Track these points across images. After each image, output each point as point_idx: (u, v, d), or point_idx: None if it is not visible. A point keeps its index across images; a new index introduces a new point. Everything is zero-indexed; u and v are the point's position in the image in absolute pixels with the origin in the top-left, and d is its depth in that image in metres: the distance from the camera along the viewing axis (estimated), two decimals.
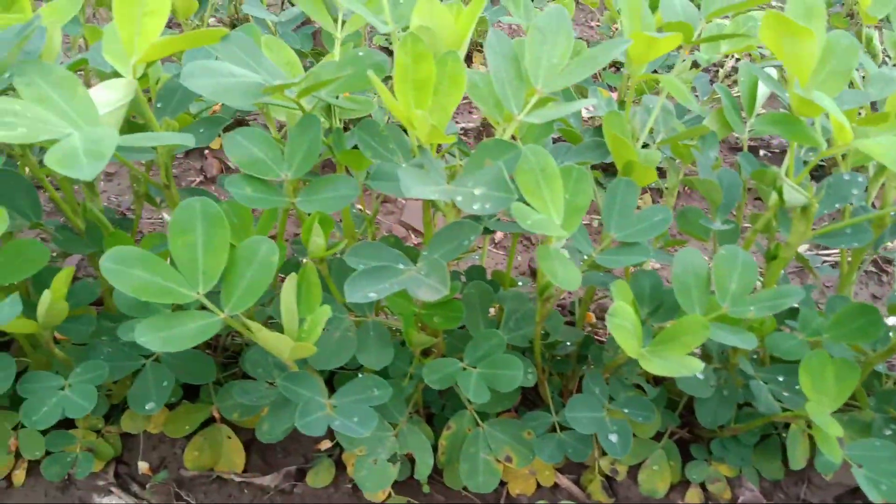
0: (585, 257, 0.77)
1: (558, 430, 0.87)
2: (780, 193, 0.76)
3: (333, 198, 0.68)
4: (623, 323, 0.68)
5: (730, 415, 0.87)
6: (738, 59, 2.34)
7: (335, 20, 0.86)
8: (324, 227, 0.68)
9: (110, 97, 0.73)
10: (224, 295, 0.67)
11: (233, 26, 2.35)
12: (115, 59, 0.77)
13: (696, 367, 0.66)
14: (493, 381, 0.75)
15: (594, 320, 1.14)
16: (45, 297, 0.70)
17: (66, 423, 0.95)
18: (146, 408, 0.81)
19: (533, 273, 1.41)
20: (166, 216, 1.55)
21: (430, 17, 0.68)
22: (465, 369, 0.78)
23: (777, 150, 1.89)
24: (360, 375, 0.87)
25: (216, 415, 0.97)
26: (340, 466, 0.96)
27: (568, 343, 0.96)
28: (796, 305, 0.89)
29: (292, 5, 2.35)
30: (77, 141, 0.61)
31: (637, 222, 0.74)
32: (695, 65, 1.43)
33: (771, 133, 0.79)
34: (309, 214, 0.72)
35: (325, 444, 0.98)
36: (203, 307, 0.66)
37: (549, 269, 0.63)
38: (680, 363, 0.67)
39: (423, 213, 0.82)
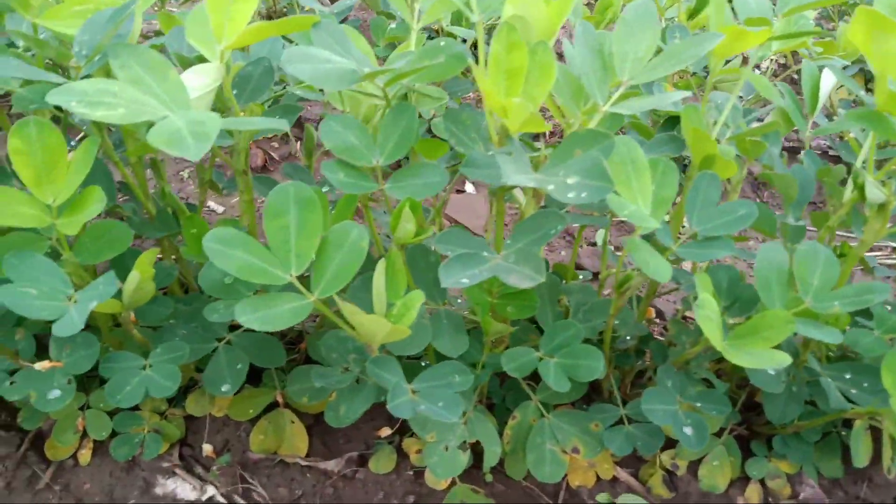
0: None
1: (626, 423, 0.87)
2: (862, 190, 0.76)
3: (422, 184, 0.69)
4: (710, 314, 0.68)
5: (798, 411, 0.87)
6: (773, 60, 2.33)
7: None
8: (413, 213, 0.69)
9: (200, 82, 0.73)
10: (314, 278, 0.68)
11: (269, 17, 2.35)
12: (201, 43, 0.77)
13: (784, 360, 0.66)
14: (573, 370, 0.75)
15: (653, 315, 1.14)
16: (133, 277, 0.71)
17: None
18: (222, 389, 0.82)
19: (579, 268, 1.41)
20: (213, 205, 1.57)
21: (523, 7, 0.68)
22: (541, 359, 0.78)
23: (818, 153, 1.88)
24: (422, 364, 0.87)
25: (279, 399, 0.98)
26: (401, 453, 0.97)
27: (628, 337, 0.97)
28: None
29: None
30: (181, 122, 0.61)
31: (720, 216, 0.74)
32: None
33: (854, 127, 0.79)
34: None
35: (385, 432, 0.99)
36: (292, 289, 0.67)
37: (641, 260, 0.64)
38: (767, 356, 0.67)
39: (497, 202, 0.82)
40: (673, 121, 0.95)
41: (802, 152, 1.02)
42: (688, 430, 0.79)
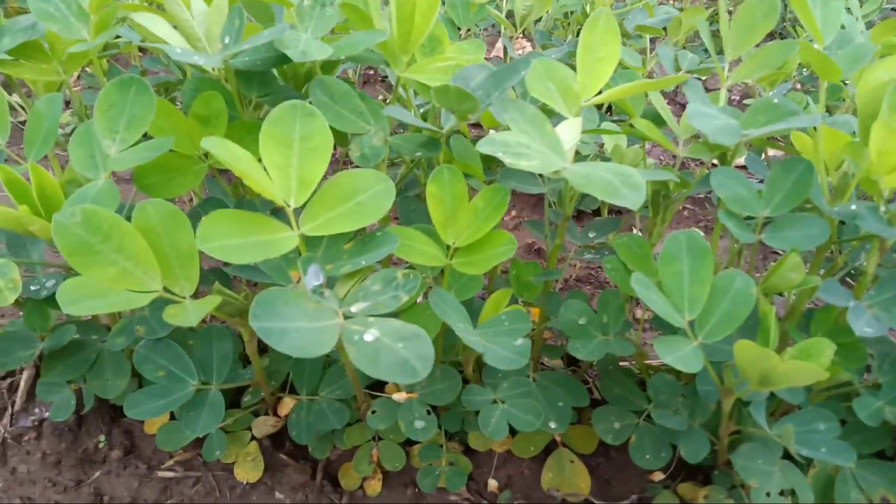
0: None
1: None
2: None
3: (803, 236, 0.72)
4: None
5: None
6: None
7: None
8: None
9: (569, 135, 0.79)
10: (698, 323, 0.71)
11: None
12: (546, 98, 0.82)
13: None
14: None
15: None
16: None
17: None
18: (551, 426, 0.85)
19: None
20: None
21: None
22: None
23: None
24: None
25: (557, 438, 1.00)
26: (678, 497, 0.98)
27: None
28: None
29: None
30: (608, 174, 0.66)
31: None
32: None
33: None
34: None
35: (658, 476, 1.00)
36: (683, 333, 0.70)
37: None
38: None
39: (818, 255, 0.85)
40: None
41: None
42: None
